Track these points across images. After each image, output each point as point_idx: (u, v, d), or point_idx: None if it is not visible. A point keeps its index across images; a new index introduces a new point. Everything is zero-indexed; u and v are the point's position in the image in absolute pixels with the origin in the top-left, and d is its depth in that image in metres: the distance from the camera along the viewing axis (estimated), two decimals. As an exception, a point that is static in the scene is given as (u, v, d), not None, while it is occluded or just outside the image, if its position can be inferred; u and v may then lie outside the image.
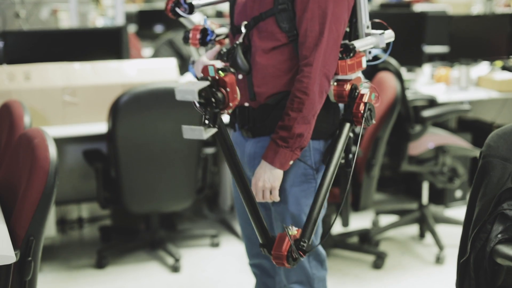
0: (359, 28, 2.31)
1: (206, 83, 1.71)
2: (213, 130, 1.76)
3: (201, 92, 1.71)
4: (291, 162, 2.23)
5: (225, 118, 2.30)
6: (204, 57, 2.41)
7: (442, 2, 7.70)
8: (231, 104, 1.77)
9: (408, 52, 4.71)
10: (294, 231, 2.13)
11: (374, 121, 2.28)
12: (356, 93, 2.23)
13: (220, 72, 1.76)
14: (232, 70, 1.79)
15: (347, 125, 2.26)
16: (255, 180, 2.26)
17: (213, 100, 1.74)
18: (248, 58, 2.30)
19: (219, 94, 1.76)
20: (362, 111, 2.21)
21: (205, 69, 1.76)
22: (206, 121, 1.75)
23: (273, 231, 2.50)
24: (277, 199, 2.29)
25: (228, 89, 1.76)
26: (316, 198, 2.19)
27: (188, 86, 1.65)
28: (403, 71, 4.22)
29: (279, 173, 2.23)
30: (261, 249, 2.20)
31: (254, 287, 2.70)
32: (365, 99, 2.22)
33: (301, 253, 2.10)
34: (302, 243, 2.10)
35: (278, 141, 2.20)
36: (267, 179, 2.23)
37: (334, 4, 2.19)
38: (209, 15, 7.60)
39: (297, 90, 2.19)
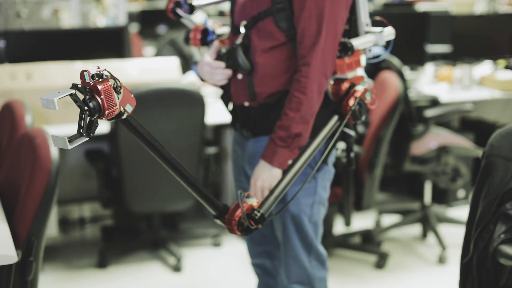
0: (359, 26, 2.30)
1: (69, 92, 1.60)
2: (83, 139, 1.65)
3: (74, 100, 1.63)
4: (289, 162, 2.22)
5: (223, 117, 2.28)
6: (207, 56, 2.41)
7: (444, 1, 7.69)
8: (107, 112, 1.65)
9: (410, 51, 4.71)
10: (254, 201, 2.08)
11: (363, 119, 2.26)
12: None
13: (96, 78, 1.65)
14: (109, 75, 1.68)
15: (334, 117, 2.25)
16: (254, 180, 2.26)
17: (85, 108, 1.63)
18: (248, 58, 2.29)
19: (94, 102, 1.64)
20: (350, 105, 2.21)
21: (81, 75, 1.66)
22: (81, 130, 1.64)
23: (274, 230, 2.50)
24: None
25: (102, 97, 1.64)
26: (284, 175, 2.15)
27: (49, 95, 1.55)
28: (406, 70, 4.21)
29: (277, 173, 2.22)
30: (216, 221, 2.13)
31: (256, 287, 2.70)
32: (357, 94, 2.22)
33: (251, 222, 2.04)
34: (255, 212, 2.05)
35: (277, 141, 2.20)
36: (266, 179, 2.23)
37: (332, 2, 2.18)
38: (211, 14, 7.60)
39: (295, 90, 2.19)
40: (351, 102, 2.20)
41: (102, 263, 3.90)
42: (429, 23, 4.80)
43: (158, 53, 5.46)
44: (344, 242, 4.10)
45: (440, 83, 4.85)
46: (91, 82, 1.64)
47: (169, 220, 4.39)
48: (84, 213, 4.65)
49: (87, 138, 1.64)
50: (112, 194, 3.78)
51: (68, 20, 6.27)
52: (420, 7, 7.04)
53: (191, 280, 3.76)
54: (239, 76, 2.33)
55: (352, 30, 2.31)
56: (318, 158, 2.31)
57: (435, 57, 5.42)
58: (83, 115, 1.62)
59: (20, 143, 2.27)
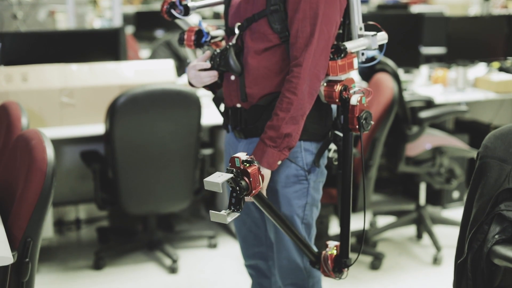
0: (352, 30, 2.32)
1: (229, 176, 1.92)
2: (236, 214, 1.96)
3: (228, 181, 1.93)
4: (279, 162, 2.22)
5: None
6: (196, 61, 2.42)
7: (439, 3, 7.72)
8: (254, 191, 1.97)
9: (405, 53, 4.72)
10: (333, 248, 2.39)
11: (372, 122, 2.29)
12: (346, 97, 2.24)
13: (245, 163, 1.96)
14: (255, 162, 1.99)
15: (349, 134, 2.31)
16: None
17: (237, 188, 1.94)
18: (241, 59, 2.30)
19: (243, 183, 1.94)
20: (356, 125, 2.25)
21: (232, 160, 1.97)
22: (232, 206, 1.96)
23: (267, 231, 2.50)
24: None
25: (251, 179, 1.95)
26: (343, 218, 2.39)
27: (214, 178, 1.90)
28: (401, 72, 4.22)
29: (266, 173, 2.23)
30: (314, 267, 2.43)
31: (250, 288, 2.71)
32: (356, 112, 2.23)
33: (343, 269, 2.38)
34: (344, 259, 2.38)
35: (266, 141, 2.20)
36: None
37: (326, 5, 2.19)
38: (206, 17, 7.60)
39: (286, 90, 2.20)
40: (355, 123, 2.25)
41: (98, 265, 3.90)
42: (423, 25, 4.82)
43: (154, 54, 5.46)
44: (339, 243, 4.10)
45: (434, 85, 4.87)
46: (241, 167, 1.96)
47: (165, 221, 4.40)
48: (80, 214, 4.66)
49: (238, 214, 1.97)
50: (108, 195, 3.78)
51: (64, 22, 6.27)
52: (415, 9, 7.07)
53: (186, 282, 3.76)
54: (232, 77, 2.34)
55: (346, 34, 2.32)
56: (310, 160, 2.33)
57: (429, 59, 5.43)
58: (234, 193, 1.96)
59: (15, 145, 2.28)
